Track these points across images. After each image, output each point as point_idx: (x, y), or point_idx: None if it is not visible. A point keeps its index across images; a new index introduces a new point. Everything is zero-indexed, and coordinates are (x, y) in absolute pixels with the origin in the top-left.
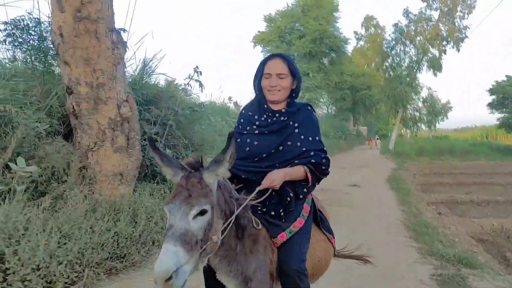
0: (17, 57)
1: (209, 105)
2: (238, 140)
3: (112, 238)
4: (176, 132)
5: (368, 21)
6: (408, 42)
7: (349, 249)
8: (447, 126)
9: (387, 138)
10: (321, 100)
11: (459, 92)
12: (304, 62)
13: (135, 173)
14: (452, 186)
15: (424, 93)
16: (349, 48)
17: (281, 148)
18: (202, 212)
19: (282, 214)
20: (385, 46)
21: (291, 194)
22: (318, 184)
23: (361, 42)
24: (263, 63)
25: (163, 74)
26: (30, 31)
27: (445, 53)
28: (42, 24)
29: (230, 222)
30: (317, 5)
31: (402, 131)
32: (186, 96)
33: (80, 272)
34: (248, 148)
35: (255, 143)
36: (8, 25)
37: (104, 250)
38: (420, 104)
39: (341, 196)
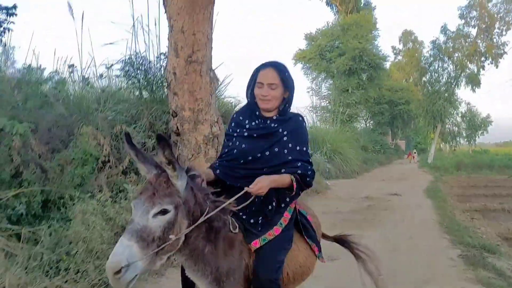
0: (127, 86)
1: None
2: (230, 143)
3: None
4: None
5: (406, 36)
6: (446, 58)
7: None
8: (489, 140)
9: (426, 152)
10: (360, 114)
11: (503, 106)
12: (343, 78)
13: None
14: (488, 197)
15: (463, 108)
16: (387, 63)
17: (267, 153)
18: (164, 212)
19: (260, 222)
20: (423, 62)
21: (274, 204)
22: (300, 194)
23: (399, 57)
24: (256, 72)
25: (233, 98)
26: (140, 67)
27: (483, 69)
28: (149, 62)
29: (196, 223)
30: (356, 24)
31: (441, 145)
32: None
33: None
34: (235, 150)
35: (243, 146)
36: (124, 63)
37: None
38: (459, 119)
39: (383, 202)
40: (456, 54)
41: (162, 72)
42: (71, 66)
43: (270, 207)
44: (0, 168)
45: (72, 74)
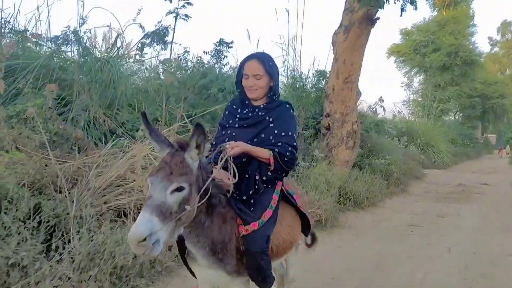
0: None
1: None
2: (223, 132)
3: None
4: (363, 137)
5: (506, 26)
6: None
7: None
8: None
9: None
10: (450, 108)
11: None
12: (437, 74)
13: (354, 161)
14: None
15: None
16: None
17: (255, 140)
18: (179, 189)
19: (252, 202)
20: None
21: (257, 177)
22: (285, 176)
23: (496, 48)
24: (242, 64)
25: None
26: (299, 80)
27: None
28: (306, 78)
29: (204, 199)
30: (454, 20)
31: None
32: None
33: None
34: (227, 139)
35: (233, 134)
36: (292, 77)
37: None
38: None
39: (475, 189)
40: None
41: (319, 85)
42: None
43: (256, 182)
44: None
45: None
